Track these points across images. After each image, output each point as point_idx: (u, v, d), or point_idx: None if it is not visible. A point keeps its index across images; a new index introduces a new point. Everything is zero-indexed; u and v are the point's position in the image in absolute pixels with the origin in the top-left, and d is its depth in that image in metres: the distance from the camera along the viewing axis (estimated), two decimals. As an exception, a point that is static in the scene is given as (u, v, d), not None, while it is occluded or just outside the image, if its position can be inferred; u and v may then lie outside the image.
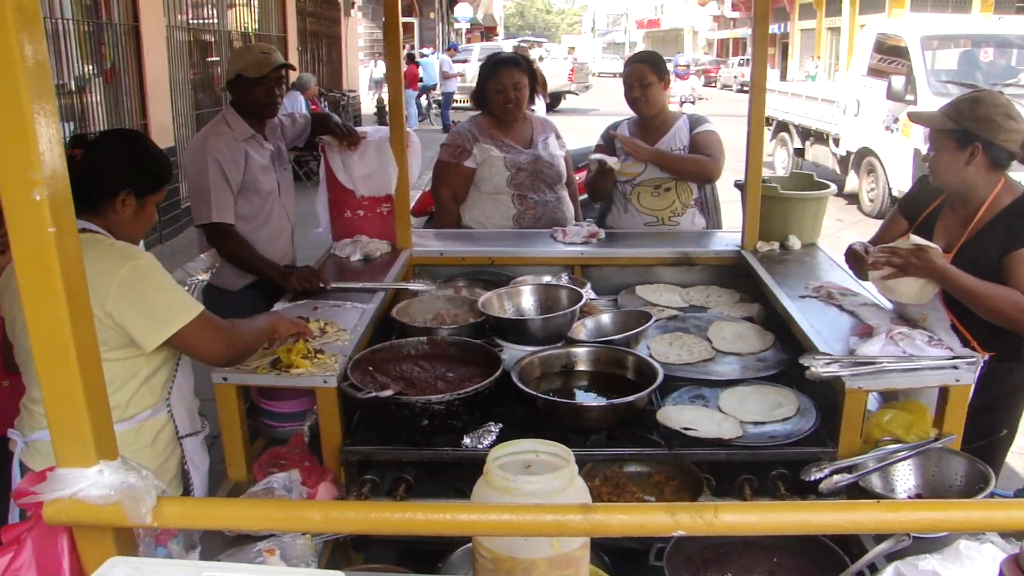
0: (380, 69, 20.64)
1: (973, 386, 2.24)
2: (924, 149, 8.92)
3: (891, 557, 1.76)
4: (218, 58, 11.18)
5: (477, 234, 3.83)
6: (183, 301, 2.06)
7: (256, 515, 1.44)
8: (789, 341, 2.72)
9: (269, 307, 2.84)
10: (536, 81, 3.95)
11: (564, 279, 3.24)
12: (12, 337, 2.18)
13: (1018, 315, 2.37)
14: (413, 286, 3.19)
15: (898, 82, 9.47)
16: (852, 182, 10.87)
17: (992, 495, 2.05)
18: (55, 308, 1.25)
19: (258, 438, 2.54)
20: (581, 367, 2.57)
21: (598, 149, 3.96)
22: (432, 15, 33.55)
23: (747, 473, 2.22)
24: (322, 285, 2.97)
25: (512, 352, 2.54)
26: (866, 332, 2.43)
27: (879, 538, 1.88)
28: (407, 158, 3.51)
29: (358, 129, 3.57)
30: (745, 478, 2.21)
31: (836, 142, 11.26)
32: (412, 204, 4.30)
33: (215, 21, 11.36)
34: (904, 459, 2.18)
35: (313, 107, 11.84)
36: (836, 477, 2.08)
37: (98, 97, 7.96)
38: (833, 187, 3.69)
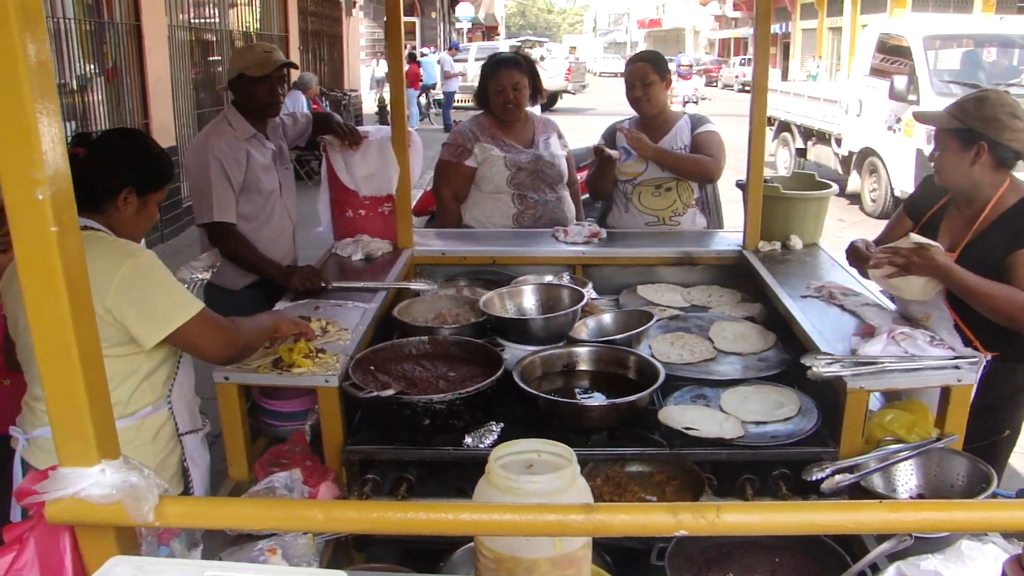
0: (382, 68, 20.65)
1: (975, 386, 2.23)
2: (926, 149, 8.94)
3: (893, 557, 1.76)
4: (220, 57, 11.18)
5: (478, 234, 3.83)
6: (183, 299, 2.07)
7: (258, 514, 1.44)
8: (791, 341, 2.72)
9: (270, 306, 2.84)
10: (538, 81, 3.95)
11: (566, 279, 3.24)
12: (14, 335, 2.18)
13: (1019, 314, 2.37)
14: (415, 285, 3.19)
15: (900, 82, 9.46)
16: (854, 182, 10.86)
17: (994, 495, 2.05)
18: (57, 307, 1.25)
19: (259, 437, 2.54)
20: (583, 367, 2.57)
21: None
22: (433, 15, 33.55)
23: (749, 473, 2.22)
24: (323, 284, 2.97)
25: (514, 352, 2.54)
26: (868, 332, 2.43)
27: (881, 538, 1.88)
28: (408, 157, 3.51)
29: (360, 129, 3.57)
30: (747, 478, 2.21)
31: (838, 142, 11.25)
32: (413, 203, 4.30)
33: (217, 20, 11.37)
34: (906, 459, 2.18)
35: (314, 106, 11.84)
36: (838, 477, 2.08)
37: (100, 96, 7.97)
38: (835, 187, 3.69)
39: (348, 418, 2.35)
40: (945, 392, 2.27)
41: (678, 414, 2.32)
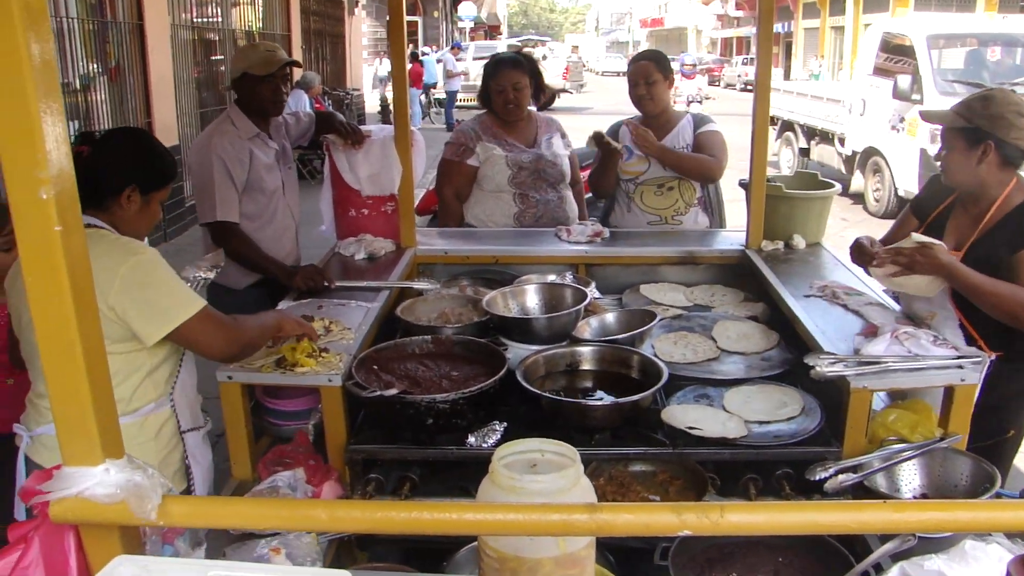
0: (385, 67, 20.66)
1: (979, 386, 2.23)
2: (930, 149, 8.93)
3: (897, 557, 1.76)
4: (222, 57, 11.18)
5: (481, 233, 3.83)
6: (185, 296, 2.07)
7: (262, 514, 1.44)
8: (794, 340, 2.72)
9: (274, 306, 2.84)
10: (541, 81, 3.95)
11: (568, 278, 3.24)
12: (18, 332, 2.19)
13: (1022, 312, 2.37)
14: (417, 285, 3.20)
15: (904, 81, 9.43)
16: (858, 182, 10.84)
17: (998, 495, 2.05)
18: (61, 306, 1.25)
19: (263, 436, 2.54)
20: (586, 366, 2.57)
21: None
22: (436, 14, 33.56)
23: (752, 472, 2.22)
24: (326, 284, 2.97)
25: (517, 351, 2.54)
26: (871, 332, 2.42)
27: (884, 538, 1.88)
28: (411, 157, 3.51)
29: (363, 128, 3.57)
30: (750, 477, 2.21)
31: (842, 142, 11.23)
32: (416, 203, 4.30)
33: (219, 20, 11.38)
34: (909, 459, 2.18)
35: (317, 106, 11.84)
36: (841, 477, 2.08)
37: (102, 96, 7.97)
38: (837, 186, 3.69)
39: (351, 417, 2.35)
40: (949, 392, 2.27)
41: (681, 414, 2.32)
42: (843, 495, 2.07)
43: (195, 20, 10.33)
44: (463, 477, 2.24)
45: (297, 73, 11.18)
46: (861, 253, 2.67)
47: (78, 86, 7.51)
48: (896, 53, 10.15)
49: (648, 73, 3.76)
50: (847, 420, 2.21)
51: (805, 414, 2.34)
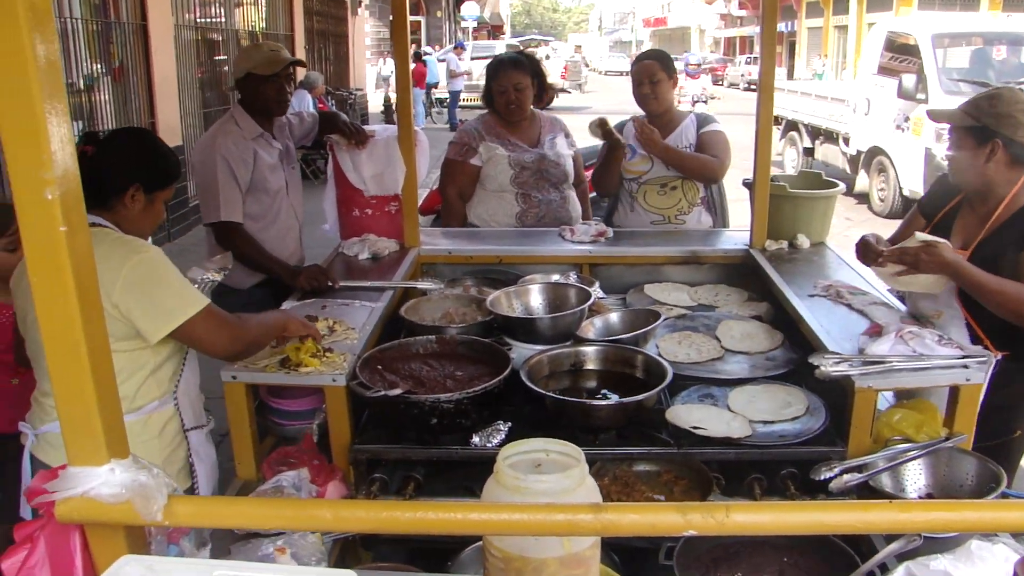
0: (388, 67, 20.67)
1: (985, 385, 2.23)
2: (935, 148, 8.89)
3: (902, 557, 1.75)
4: (225, 57, 11.20)
5: (485, 233, 3.84)
6: (189, 294, 2.08)
7: (268, 514, 1.45)
8: (798, 340, 2.72)
9: (277, 306, 2.84)
10: (543, 80, 3.95)
11: (572, 278, 3.23)
12: (23, 331, 2.20)
13: None
14: (421, 285, 3.20)
15: (909, 80, 9.41)
16: (862, 181, 10.81)
17: (1004, 495, 2.04)
18: (66, 306, 1.26)
19: (267, 436, 2.54)
20: (590, 366, 2.57)
21: (606, 145, 3.95)
22: (439, 14, 33.55)
23: (756, 472, 2.22)
24: (330, 284, 2.97)
25: (521, 351, 2.54)
26: (876, 331, 2.42)
27: (890, 538, 1.87)
28: (415, 157, 3.52)
29: (366, 128, 3.58)
30: (755, 477, 2.21)
31: (846, 141, 11.21)
32: (420, 202, 4.30)
33: (223, 20, 11.38)
34: (914, 459, 2.18)
35: (320, 105, 11.85)
36: (846, 476, 2.08)
37: (106, 96, 7.99)
38: (842, 186, 3.68)
39: (355, 417, 2.35)
40: (954, 391, 2.26)
41: (685, 413, 2.32)
42: (848, 495, 2.07)
43: (199, 20, 10.34)
44: (467, 477, 2.24)
45: (300, 73, 11.20)
46: (867, 251, 2.66)
47: (82, 86, 7.52)
48: (901, 52, 10.12)
49: (652, 72, 3.76)
50: (852, 420, 2.21)
51: (810, 414, 2.34)
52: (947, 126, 2.66)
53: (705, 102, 17.36)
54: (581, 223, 3.79)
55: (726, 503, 1.34)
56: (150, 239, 2.29)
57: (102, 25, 7.88)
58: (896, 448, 2.18)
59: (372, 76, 21.97)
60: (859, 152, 10.82)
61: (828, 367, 2.22)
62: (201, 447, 2.33)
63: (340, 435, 2.30)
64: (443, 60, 21.58)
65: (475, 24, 37.31)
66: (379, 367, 2.41)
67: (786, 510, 1.53)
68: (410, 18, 3.67)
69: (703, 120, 3.92)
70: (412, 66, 3.95)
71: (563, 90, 26.05)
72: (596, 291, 3.03)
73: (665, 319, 2.88)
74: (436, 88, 21.45)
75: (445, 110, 20.82)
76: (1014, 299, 2.37)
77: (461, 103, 20.27)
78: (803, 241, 3.44)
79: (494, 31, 44.52)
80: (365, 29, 21.73)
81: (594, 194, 4.33)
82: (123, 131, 2.77)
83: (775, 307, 3.05)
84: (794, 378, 2.56)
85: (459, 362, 2.50)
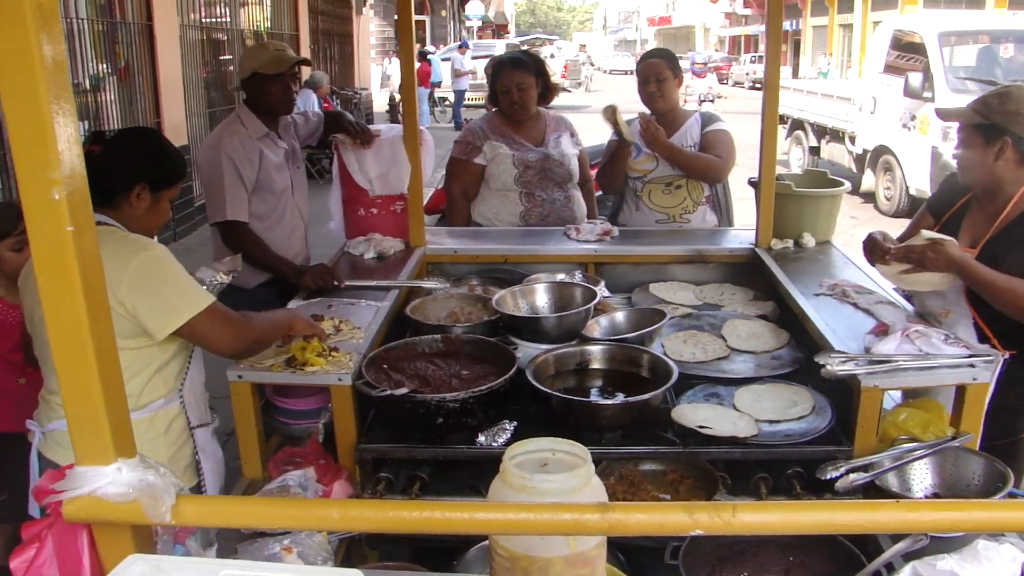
0: (394, 66, 20.67)
1: (993, 384, 2.22)
2: (942, 147, 8.85)
3: (909, 557, 1.75)
4: (231, 57, 11.22)
5: (490, 232, 3.84)
6: (194, 292, 2.08)
7: (274, 514, 1.45)
8: (804, 339, 2.71)
9: (283, 305, 2.84)
10: (547, 80, 3.95)
11: (578, 277, 3.24)
12: (31, 329, 2.21)
13: None
14: (427, 284, 3.20)
15: (915, 79, 9.37)
16: (868, 180, 10.78)
17: (1011, 495, 2.03)
18: (73, 306, 1.26)
19: (273, 435, 2.55)
20: (595, 365, 2.57)
21: (612, 143, 3.95)
22: (444, 13, 33.55)
23: (762, 471, 2.21)
24: (336, 283, 2.97)
25: (526, 350, 2.54)
26: (882, 330, 2.41)
27: (896, 537, 1.87)
28: (420, 156, 3.52)
29: (371, 127, 3.58)
30: (760, 476, 2.21)
31: (852, 140, 11.17)
32: (425, 202, 4.30)
33: (228, 20, 11.40)
34: (920, 458, 2.17)
35: (325, 105, 11.86)
36: (852, 476, 2.08)
37: (112, 96, 8.00)
38: (847, 184, 3.67)
39: (361, 416, 2.35)
40: (960, 391, 2.25)
41: (691, 412, 2.32)
42: (854, 494, 2.07)
43: (204, 20, 10.36)
44: (473, 476, 2.24)
45: (305, 73, 11.21)
46: (874, 248, 2.65)
47: (88, 86, 7.54)
48: (907, 51, 10.08)
49: (659, 70, 3.76)
50: (858, 419, 2.20)
51: (815, 413, 2.34)
52: (954, 125, 2.65)
53: (712, 101, 17.32)
54: (587, 222, 3.79)
55: (733, 503, 1.34)
56: (155, 238, 2.30)
57: (108, 25, 7.90)
58: (902, 447, 2.17)
59: (377, 76, 21.98)
60: (865, 151, 10.79)
61: (834, 366, 2.22)
62: (207, 445, 2.34)
63: (346, 434, 2.31)
64: (447, 59, 21.58)
65: (480, 23, 37.29)
66: (385, 366, 2.41)
67: (793, 510, 1.52)
68: (415, 17, 3.66)
69: (707, 119, 3.91)
70: (417, 65, 3.94)
71: (564, 89, 26.06)
72: (601, 290, 3.03)
73: (671, 318, 2.88)
74: (438, 87, 21.45)
75: (448, 109, 20.81)
76: (1019, 297, 2.36)
77: (466, 102, 20.27)
78: (809, 240, 3.43)
79: (499, 30, 44.50)
80: (370, 28, 21.74)
81: (600, 192, 4.32)
82: (129, 131, 2.78)
83: (781, 306, 3.04)
84: (800, 377, 2.55)
85: (465, 361, 2.50)
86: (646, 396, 2.26)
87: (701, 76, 17.98)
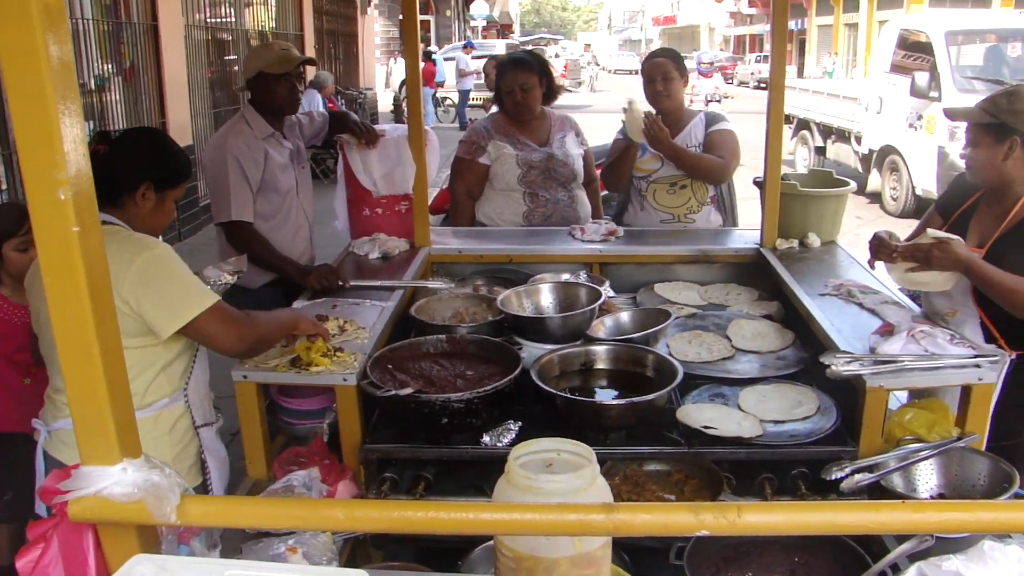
0: (399, 67, 20.69)
1: (999, 385, 2.21)
2: (948, 147, 8.81)
3: (914, 557, 1.74)
4: (235, 57, 11.23)
5: (495, 232, 3.84)
6: (198, 291, 2.09)
7: (281, 514, 1.45)
8: (809, 339, 2.71)
9: (288, 305, 2.85)
10: (551, 80, 3.95)
11: (583, 277, 3.23)
12: (37, 329, 2.22)
13: None
14: (432, 284, 3.20)
15: (922, 78, 9.32)
16: (874, 180, 10.74)
17: (1017, 495, 2.02)
18: (79, 307, 1.26)
19: (277, 435, 2.55)
20: (600, 365, 2.57)
21: (618, 143, 3.94)
22: (448, 13, 33.57)
23: (767, 472, 2.21)
24: (341, 283, 2.98)
25: (531, 350, 2.54)
26: (887, 330, 2.41)
27: (901, 538, 1.86)
28: (425, 156, 3.52)
29: (376, 127, 3.58)
30: (765, 477, 2.20)
31: (858, 140, 11.13)
32: (430, 202, 4.31)
33: (232, 20, 11.42)
34: (926, 459, 2.17)
35: (330, 105, 11.87)
36: (857, 476, 2.07)
37: (117, 96, 8.02)
38: (852, 184, 3.67)
39: (366, 417, 2.35)
40: (966, 391, 2.25)
41: (696, 413, 2.31)
42: (859, 495, 2.06)
43: (208, 20, 10.37)
44: (478, 476, 2.25)
45: (310, 73, 11.22)
46: (880, 247, 2.65)
47: (93, 86, 7.56)
48: (913, 50, 10.04)
49: (665, 70, 3.75)
50: (863, 419, 2.20)
51: (821, 413, 2.33)
52: (961, 124, 2.65)
53: (719, 101, 17.29)
54: (591, 222, 3.78)
55: (738, 503, 1.34)
56: (160, 237, 2.30)
57: (113, 25, 7.91)
58: (908, 448, 2.17)
59: (382, 75, 21.99)
60: (871, 151, 10.75)
61: (839, 366, 2.21)
62: (212, 444, 2.35)
63: (350, 434, 2.31)
64: (451, 59, 21.58)
65: (484, 23, 37.29)
66: (389, 366, 2.41)
67: (798, 510, 1.52)
68: (419, 17, 3.67)
69: (712, 119, 3.90)
70: (422, 65, 3.93)
71: (565, 89, 26.05)
72: (606, 290, 3.03)
73: (675, 318, 2.88)
74: (441, 87, 21.45)
75: (452, 109, 20.81)
76: None
77: (471, 102, 20.27)
78: (814, 240, 3.43)
79: (503, 30, 44.50)
80: (375, 28, 21.75)
81: (605, 192, 4.32)
82: (134, 130, 2.79)
83: (786, 306, 3.04)
84: (805, 377, 2.55)
85: (469, 361, 2.50)
86: (651, 396, 2.26)
87: (707, 76, 17.96)
